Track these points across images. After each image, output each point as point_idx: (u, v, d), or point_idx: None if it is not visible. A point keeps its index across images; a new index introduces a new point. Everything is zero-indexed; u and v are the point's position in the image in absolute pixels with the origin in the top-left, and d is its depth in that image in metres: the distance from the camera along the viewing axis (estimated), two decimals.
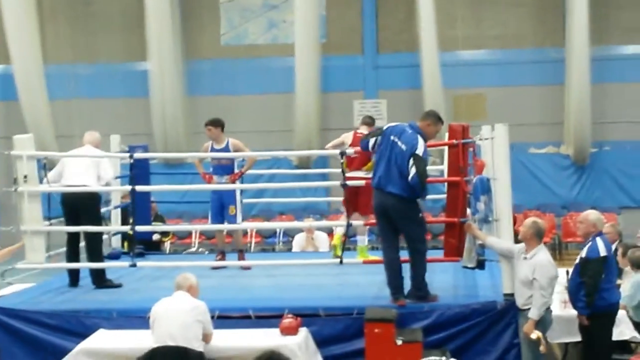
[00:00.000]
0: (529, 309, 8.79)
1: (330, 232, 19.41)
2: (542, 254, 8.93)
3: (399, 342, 8.75)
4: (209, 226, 13.65)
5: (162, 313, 8.38)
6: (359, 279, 10.91)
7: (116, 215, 13.51)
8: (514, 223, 10.25)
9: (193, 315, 8.31)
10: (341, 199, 10.48)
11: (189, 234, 21.15)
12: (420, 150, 9.15)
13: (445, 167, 11.58)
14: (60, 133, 23.68)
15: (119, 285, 10.90)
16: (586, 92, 22.74)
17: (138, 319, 9.24)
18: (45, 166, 11.09)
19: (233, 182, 12.06)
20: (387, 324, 8.81)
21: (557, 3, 23.69)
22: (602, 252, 8.98)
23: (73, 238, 11.02)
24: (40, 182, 10.75)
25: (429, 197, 10.11)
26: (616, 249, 10.70)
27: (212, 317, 8.63)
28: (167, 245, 16.03)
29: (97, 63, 25.02)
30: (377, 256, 11.66)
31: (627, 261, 10.60)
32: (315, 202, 22.47)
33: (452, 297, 9.72)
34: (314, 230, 14.70)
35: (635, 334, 9.66)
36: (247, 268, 11.89)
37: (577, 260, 9.21)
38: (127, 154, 11.34)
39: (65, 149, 12.14)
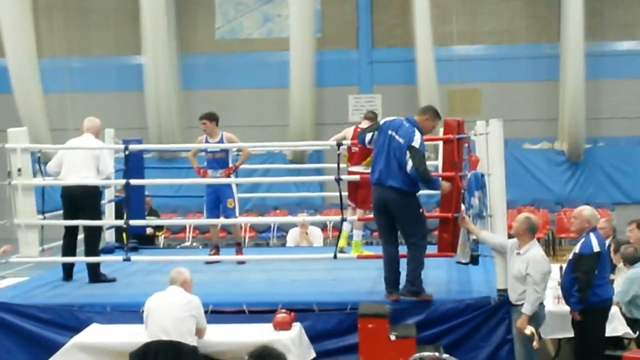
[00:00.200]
0: (522, 304, 8.80)
1: (324, 227, 19.50)
2: (535, 250, 8.94)
3: (393, 338, 8.76)
4: (204, 220, 13.64)
5: (155, 307, 8.37)
6: (353, 274, 10.91)
7: (110, 209, 13.49)
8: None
9: (186, 309, 8.31)
10: (335, 194, 10.47)
11: (182, 229, 21.14)
12: (416, 143, 9.14)
13: (440, 162, 11.59)
14: (54, 126, 23.66)
15: (112, 280, 10.88)
16: (580, 88, 22.77)
17: (131, 313, 9.23)
18: (39, 159, 11.07)
19: (228, 176, 12.04)
20: (381, 319, 8.82)
21: None
22: (596, 247, 8.99)
23: (71, 232, 10.98)
24: (34, 175, 10.73)
25: (423, 192, 10.11)
26: (609, 245, 10.72)
27: (206, 312, 8.63)
28: (161, 239, 16.01)
29: (91, 57, 25.01)
30: (371, 251, 11.72)
31: (619, 257, 10.61)
32: (310, 197, 22.48)
33: (446, 293, 9.72)
34: (308, 225, 14.69)
35: (628, 330, 9.67)
36: (242, 262, 11.90)
37: (571, 256, 9.22)
38: (122, 147, 11.31)
39: (59, 142, 12.10)
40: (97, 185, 10.96)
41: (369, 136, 9.55)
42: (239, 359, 7.64)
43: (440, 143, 10.79)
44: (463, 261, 9.88)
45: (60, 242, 11.16)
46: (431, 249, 9.99)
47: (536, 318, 8.80)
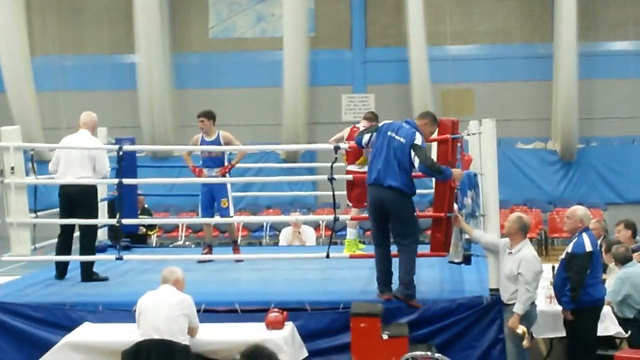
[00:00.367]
0: (514, 303, 8.81)
1: (317, 227, 19.50)
2: (527, 249, 8.95)
3: (385, 337, 8.76)
4: (197, 219, 13.66)
5: (147, 306, 8.36)
6: (346, 273, 10.91)
7: (103, 208, 13.46)
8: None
9: (179, 308, 8.30)
10: (328, 193, 10.47)
11: (175, 227, 21.13)
12: (418, 141, 9.17)
13: None
14: (47, 125, 23.64)
15: (105, 279, 10.85)
16: (574, 87, 22.81)
17: (124, 312, 9.21)
18: (32, 158, 11.04)
19: (223, 175, 12.01)
20: (373, 318, 8.82)
21: None
22: (588, 247, 9.00)
23: (67, 230, 10.95)
24: (27, 174, 10.71)
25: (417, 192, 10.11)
26: (600, 245, 10.73)
27: (198, 311, 8.62)
28: (153, 238, 16.00)
29: (84, 55, 24.98)
30: (364, 251, 11.72)
31: (610, 257, 10.63)
32: (303, 196, 22.50)
33: (439, 292, 9.73)
34: (301, 224, 14.68)
35: (620, 329, 9.69)
36: (240, 261, 11.88)
37: (563, 256, 9.24)
38: (116, 146, 11.28)
39: (52, 140, 12.09)
40: (94, 184, 10.92)
41: (366, 137, 9.54)
42: (231, 358, 7.64)
43: (435, 142, 10.78)
44: (456, 261, 9.89)
45: (52, 241, 11.14)
46: (424, 249, 10.00)
47: (528, 317, 8.81)
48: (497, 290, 9.24)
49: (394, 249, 9.52)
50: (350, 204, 11.80)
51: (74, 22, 25.13)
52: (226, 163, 12.10)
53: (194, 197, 12.59)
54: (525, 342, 8.67)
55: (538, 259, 9.00)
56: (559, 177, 24.03)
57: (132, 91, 24.10)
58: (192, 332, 8.42)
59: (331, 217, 10.48)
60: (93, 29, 25.07)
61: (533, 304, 8.89)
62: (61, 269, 10.98)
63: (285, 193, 19.54)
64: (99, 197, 12.81)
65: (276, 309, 8.92)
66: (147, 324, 8.26)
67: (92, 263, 10.83)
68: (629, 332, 9.74)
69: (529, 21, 24.32)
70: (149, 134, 23.67)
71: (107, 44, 24.98)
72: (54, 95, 24.33)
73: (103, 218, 13.04)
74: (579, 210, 9.35)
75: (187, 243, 20.45)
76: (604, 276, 10.04)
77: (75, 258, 10.88)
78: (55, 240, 11.05)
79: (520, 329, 8.65)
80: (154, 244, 15.76)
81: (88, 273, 10.77)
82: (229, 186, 12.13)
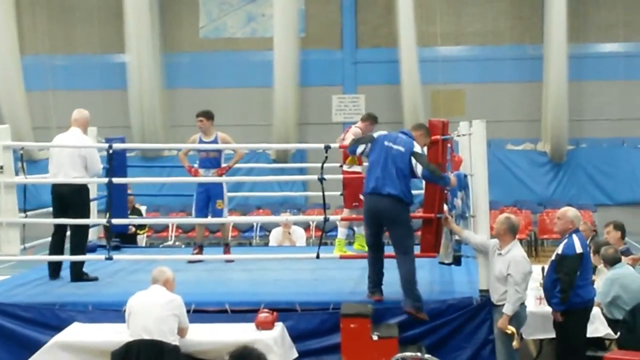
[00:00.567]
0: (503, 304, 8.82)
1: (307, 227, 19.50)
2: (516, 250, 8.96)
3: (375, 338, 8.77)
4: (187, 219, 13.62)
5: (137, 307, 8.35)
6: (336, 274, 10.92)
7: (93, 207, 13.42)
8: None
9: (169, 309, 8.29)
10: (319, 193, 10.47)
11: (165, 227, 21.09)
12: (417, 149, 9.20)
13: None
14: (36, 124, 23.61)
15: (94, 279, 10.83)
16: (563, 89, 22.88)
17: (113, 312, 9.20)
18: (22, 157, 11.01)
19: (220, 176, 11.98)
20: (363, 319, 8.83)
21: (536, 0, 23.79)
22: (578, 249, 9.01)
23: (60, 230, 10.92)
24: (17, 173, 10.67)
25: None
26: (589, 246, 10.75)
27: (188, 311, 8.61)
28: (143, 238, 15.97)
29: (74, 54, 24.94)
30: (354, 252, 11.73)
31: (599, 259, 10.64)
32: (293, 197, 22.50)
33: (428, 293, 9.72)
34: (291, 224, 14.68)
35: (609, 330, 9.70)
36: (230, 261, 11.87)
37: (553, 257, 9.24)
38: (106, 145, 11.24)
39: (42, 140, 12.06)
40: (86, 184, 10.88)
41: (361, 148, 9.53)
42: (221, 358, 7.64)
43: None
44: (446, 262, 9.91)
45: (42, 241, 11.12)
46: (414, 250, 9.99)
47: (517, 318, 8.82)
48: (487, 291, 9.25)
49: (388, 249, 9.52)
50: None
51: (64, 21, 25.10)
52: (223, 164, 12.06)
53: (183, 197, 12.56)
54: (514, 343, 8.69)
55: (527, 260, 9.00)
56: (548, 178, 24.10)
57: (122, 91, 24.07)
58: (182, 332, 8.41)
59: (321, 217, 10.48)
60: (83, 28, 25.04)
61: (523, 305, 8.90)
62: (55, 269, 10.94)
63: (276, 193, 19.53)
64: (91, 196, 12.82)
65: (266, 310, 8.91)
66: (136, 324, 8.24)
67: (82, 263, 10.80)
68: (618, 333, 9.75)
69: (519, 22, 24.37)
70: (139, 133, 23.64)
71: (97, 43, 24.95)
72: (44, 94, 24.29)
73: (94, 217, 13.02)
74: (570, 211, 9.36)
75: (177, 243, 20.42)
76: (592, 277, 10.05)
77: (64, 258, 10.85)
78: (45, 239, 11.02)
79: (510, 330, 8.67)
80: (143, 244, 15.71)
81: (78, 273, 10.74)
82: (225, 188, 12.12)
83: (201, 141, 12.05)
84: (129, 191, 14.24)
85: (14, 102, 23.63)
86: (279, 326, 8.85)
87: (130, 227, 14.33)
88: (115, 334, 8.52)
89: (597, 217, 21.46)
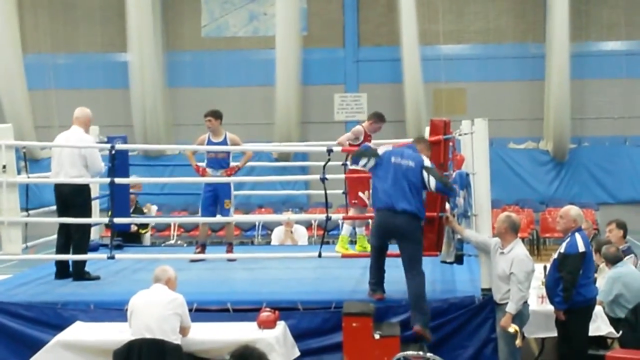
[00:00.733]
0: (506, 303, 8.82)
1: (309, 226, 19.50)
2: (518, 248, 8.96)
3: (377, 336, 8.76)
4: (189, 219, 13.61)
5: (139, 305, 8.35)
6: (338, 272, 10.91)
7: (95, 206, 13.42)
8: None
9: (171, 308, 8.29)
10: (321, 192, 10.48)
11: (167, 227, 21.08)
12: (428, 163, 9.20)
13: None
14: (39, 123, 23.63)
15: (97, 278, 10.83)
16: (566, 88, 22.87)
17: (115, 311, 9.20)
18: (24, 156, 11.01)
19: (229, 176, 11.94)
20: (365, 318, 8.81)
21: None
22: (581, 247, 9.01)
23: (64, 230, 10.92)
24: (19, 172, 10.67)
25: None
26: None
27: (190, 310, 8.61)
28: (147, 237, 15.91)
29: (77, 53, 24.95)
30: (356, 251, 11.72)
31: (600, 257, 10.64)
32: (295, 196, 22.49)
33: (431, 292, 9.70)
34: (293, 223, 14.67)
35: (611, 329, 9.70)
36: (233, 260, 11.86)
37: (556, 256, 9.25)
38: (109, 145, 11.21)
39: (44, 139, 12.06)
40: (87, 183, 10.87)
41: (363, 161, 9.46)
42: (222, 357, 7.64)
43: None
44: (448, 260, 9.89)
45: (44, 240, 11.12)
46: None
47: (520, 317, 8.82)
48: (489, 290, 9.25)
49: (392, 248, 9.52)
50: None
51: (67, 20, 25.11)
52: (231, 165, 12.02)
53: (185, 196, 12.54)
54: (517, 341, 8.69)
55: (530, 259, 9.01)
56: (550, 177, 24.09)
57: (124, 90, 24.08)
58: (183, 331, 8.41)
59: (323, 216, 10.48)
60: (85, 28, 25.05)
61: (525, 304, 8.90)
62: (61, 269, 10.91)
63: (278, 192, 19.52)
64: (93, 195, 12.82)
65: (268, 309, 8.90)
66: (138, 323, 8.24)
67: (84, 262, 10.80)
68: (620, 332, 9.75)
69: (522, 21, 24.36)
70: (141, 132, 23.65)
71: (99, 42, 24.97)
72: (46, 93, 24.31)
73: (96, 217, 13.02)
74: (572, 210, 9.35)
75: (179, 242, 20.40)
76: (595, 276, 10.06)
77: (66, 257, 10.84)
78: (47, 238, 11.02)
79: (513, 328, 8.66)
80: (148, 243, 15.67)
81: (80, 272, 10.74)
82: (232, 188, 12.10)
83: (210, 141, 11.97)
84: (138, 190, 14.27)
85: (17, 101, 23.65)
86: (281, 325, 8.85)
87: (132, 225, 14.33)
88: (117, 333, 8.53)
89: (599, 215, 21.45)
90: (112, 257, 10.67)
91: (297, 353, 8.95)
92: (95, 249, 12.65)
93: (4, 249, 10.45)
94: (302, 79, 23.98)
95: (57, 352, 8.61)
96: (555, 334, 9.44)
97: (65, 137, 10.88)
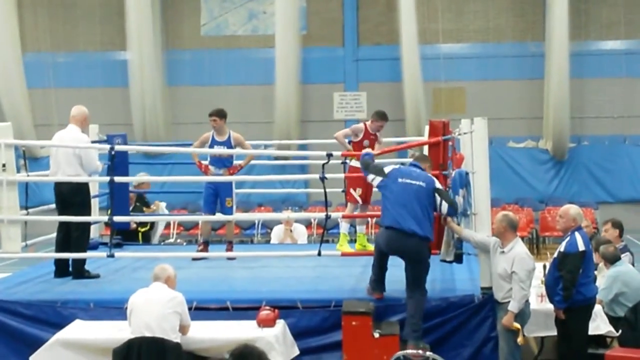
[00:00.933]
0: (508, 302, 8.82)
1: (308, 225, 19.49)
2: (519, 247, 8.97)
3: (376, 335, 8.77)
4: (189, 217, 13.60)
5: (139, 304, 8.35)
6: (337, 271, 10.92)
7: (95, 205, 13.41)
8: None
9: (170, 306, 8.29)
10: (320, 190, 10.47)
11: (167, 225, 21.05)
12: (438, 184, 9.20)
13: None
14: (38, 122, 23.62)
15: (96, 276, 10.83)
16: (565, 86, 22.86)
17: (115, 309, 9.20)
18: (24, 155, 11.00)
19: (231, 175, 11.93)
20: (365, 316, 8.82)
21: None
22: (581, 246, 9.01)
23: (64, 228, 10.92)
24: (18, 170, 10.66)
25: None
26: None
27: (190, 309, 8.61)
28: (156, 235, 15.82)
29: (76, 52, 24.94)
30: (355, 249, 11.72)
31: (599, 256, 10.63)
32: (294, 194, 22.49)
33: (430, 291, 9.69)
34: (293, 222, 14.66)
35: (611, 328, 9.70)
36: (232, 258, 11.85)
37: (556, 255, 9.25)
38: (109, 145, 11.20)
39: (44, 138, 12.06)
40: (86, 182, 10.86)
41: (370, 177, 9.45)
42: (222, 356, 7.64)
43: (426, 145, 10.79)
44: (447, 259, 9.88)
45: (43, 238, 11.12)
46: None
47: (522, 315, 8.84)
48: (489, 288, 9.25)
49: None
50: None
51: (66, 19, 25.10)
52: (234, 163, 12.01)
53: (186, 194, 12.52)
54: (519, 339, 8.70)
55: (530, 257, 9.02)
56: (550, 175, 24.10)
57: (123, 88, 24.08)
58: (183, 329, 8.41)
59: (323, 215, 10.48)
60: (85, 26, 25.04)
61: (527, 302, 8.91)
62: (61, 267, 10.90)
63: (277, 190, 19.52)
64: (92, 194, 12.81)
65: (267, 307, 8.91)
66: (138, 321, 8.24)
67: (83, 260, 10.80)
68: (620, 330, 9.75)
69: (521, 20, 24.36)
70: (140, 131, 23.64)
71: (98, 41, 24.97)
72: (46, 92, 24.31)
73: (95, 215, 13.01)
74: (572, 209, 9.35)
75: (178, 240, 20.39)
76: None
77: (65, 255, 10.83)
78: (47, 237, 11.02)
79: (515, 326, 8.68)
80: (157, 241, 15.59)
81: (79, 270, 10.74)
82: (233, 186, 12.09)
83: (214, 140, 11.95)
84: (147, 188, 14.26)
85: (16, 99, 23.65)
86: (281, 324, 8.86)
87: (131, 224, 14.31)
88: (116, 332, 8.54)
89: (598, 214, 21.46)
90: (111, 256, 10.65)
91: (297, 352, 8.96)
92: (95, 247, 12.64)
93: (4, 247, 10.43)
94: (302, 78, 23.97)
95: (56, 351, 8.62)
96: (555, 333, 9.44)
97: (59, 136, 10.86)
